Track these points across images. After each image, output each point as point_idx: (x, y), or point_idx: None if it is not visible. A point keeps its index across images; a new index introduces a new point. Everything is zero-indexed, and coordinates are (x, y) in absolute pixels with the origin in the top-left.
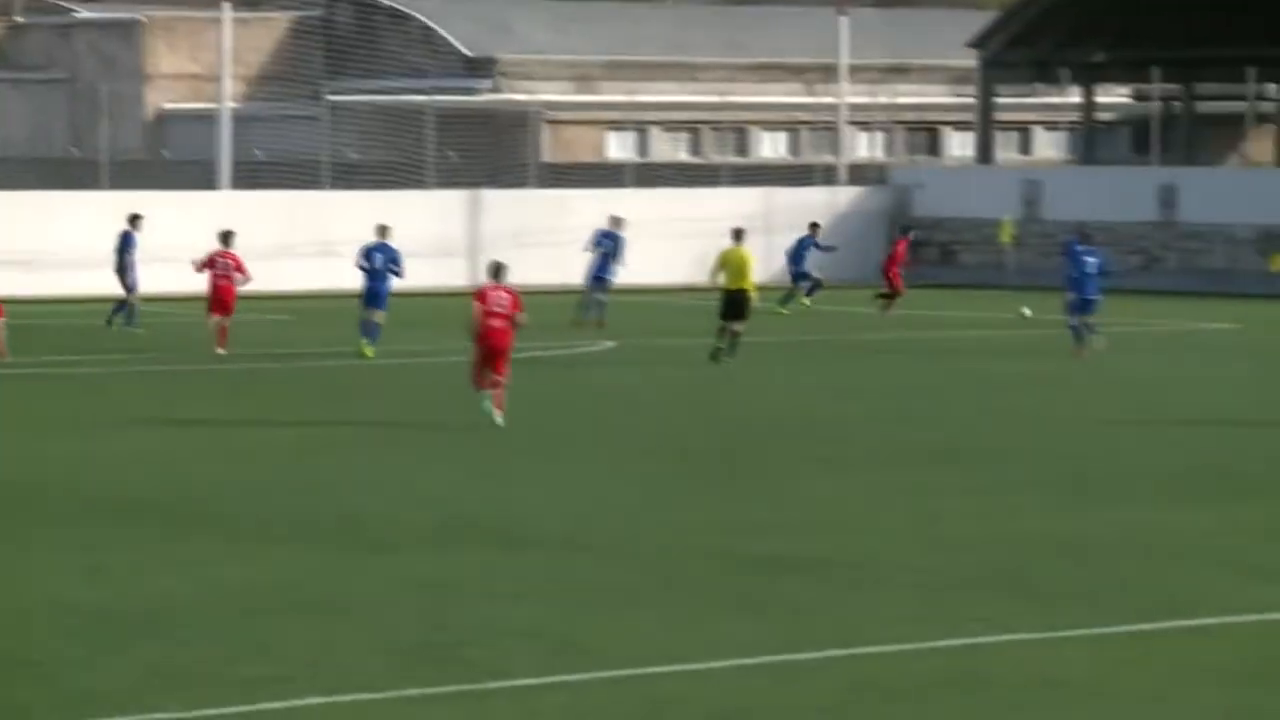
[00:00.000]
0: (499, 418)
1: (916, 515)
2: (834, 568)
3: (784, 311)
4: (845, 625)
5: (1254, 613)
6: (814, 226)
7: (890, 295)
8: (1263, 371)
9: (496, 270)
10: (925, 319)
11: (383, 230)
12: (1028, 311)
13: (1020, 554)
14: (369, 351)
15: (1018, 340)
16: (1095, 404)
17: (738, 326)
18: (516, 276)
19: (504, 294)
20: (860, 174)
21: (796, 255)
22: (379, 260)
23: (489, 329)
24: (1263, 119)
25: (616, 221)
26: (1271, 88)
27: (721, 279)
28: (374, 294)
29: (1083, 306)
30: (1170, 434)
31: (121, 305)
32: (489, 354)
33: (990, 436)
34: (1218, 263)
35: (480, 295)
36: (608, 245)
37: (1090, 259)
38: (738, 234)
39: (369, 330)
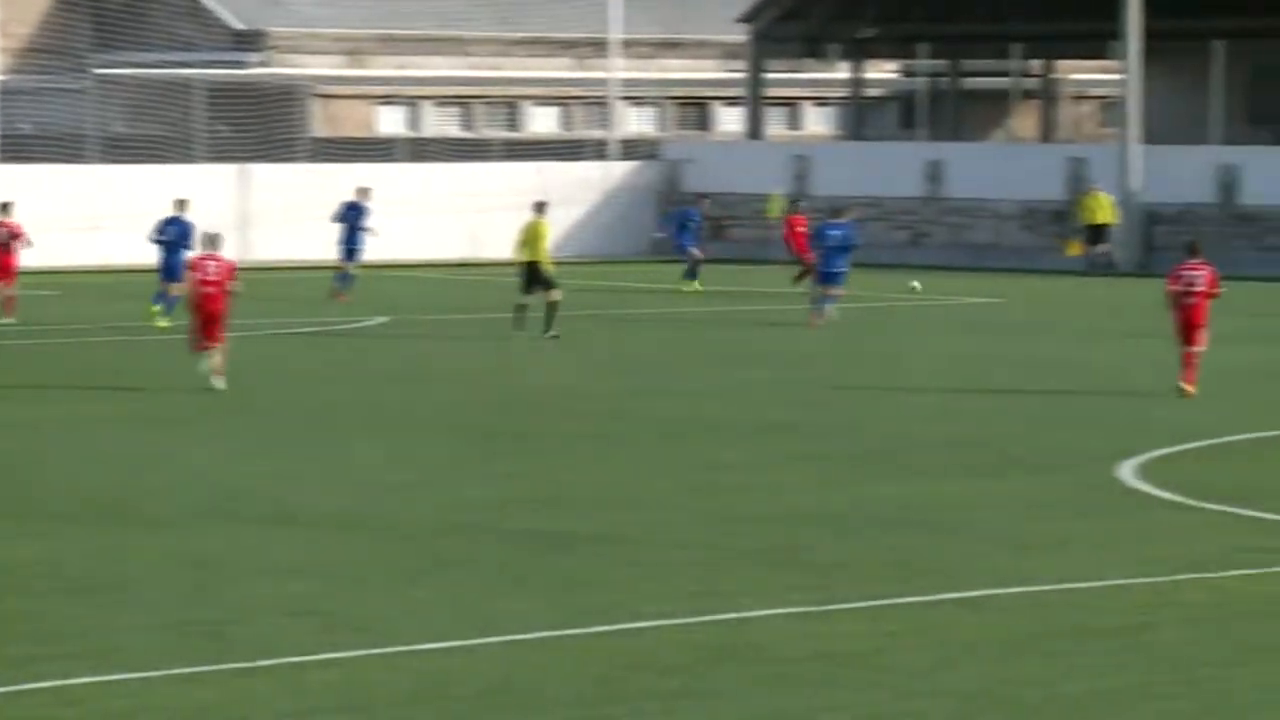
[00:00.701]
0: (218, 382)
1: (692, 489)
2: (610, 543)
3: (695, 288)
4: (621, 600)
5: (1020, 585)
6: (701, 198)
7: (805, 271)
8: (1024, 344)
9: (210, 240)
10: (698, 293)
11: (180, 204)
12: (917, 285)
13: (794, 528)
14: (163, 323)
15: (789, 315)
16: (865, 378)
17: (554, 295)
18: (286, 251)
19: (215, 262)
20: (632, 149)
21: (681, 227)
22: (172, 233)
23: (202, 295)
24: (1027, 95)
25: (363, 192)
26: (1035, 64)
27: (520, 252)
28: (170, 267)
29: (824, 279)
30: (937, 407)
31: None
32: (203, 320)
33: (764, 410)
34: (983, 237)
35: (193, 264)
36: (352, 217)
37: (833, 233)
38: (539, 206)
39: (165, 300)
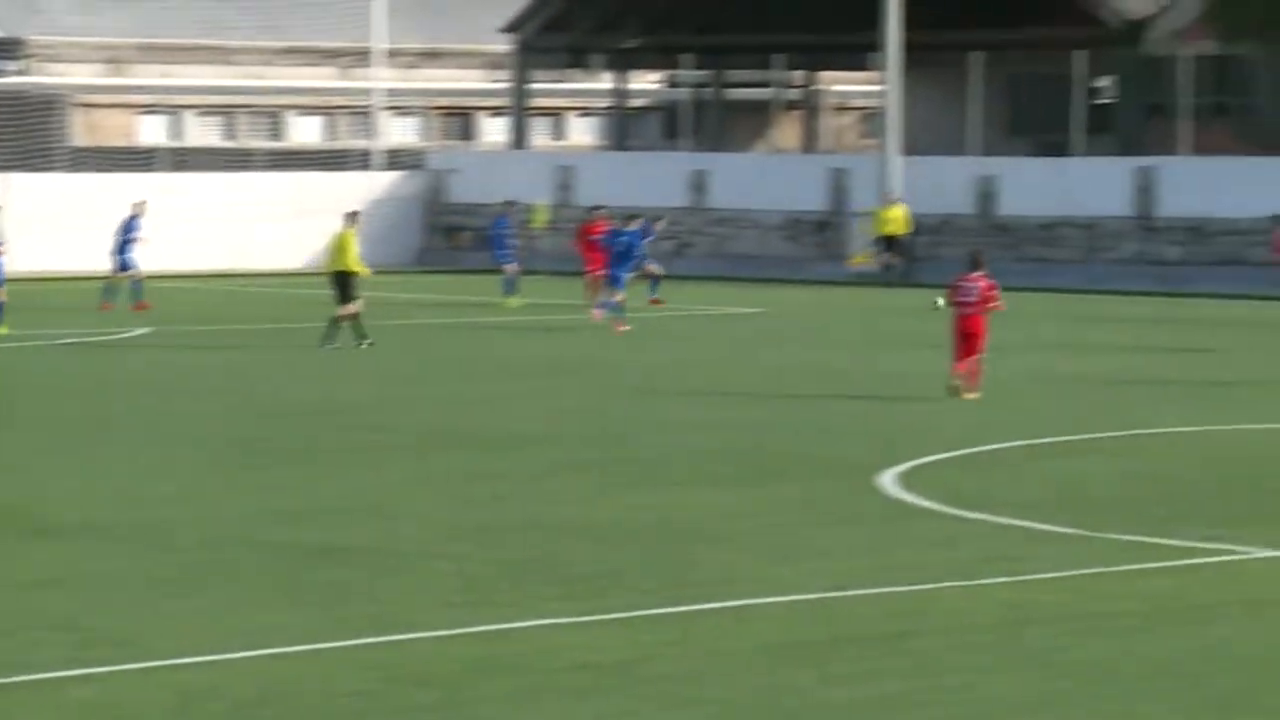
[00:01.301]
0: None
1: (455, 501)
2: (371, 554)
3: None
4: (381, 612)
5: (782, 594)
6: (655, 221)
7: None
8: (789, 354)
9: None
10: (465, 305)
11: (140, 205)
12: (940, 302)
13: (556, 538)
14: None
15: (555, 324)
16: (632, 388)
17: (348, 309)
18: (45, 262)
19: None
20: (396, 159)
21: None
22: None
23: None
24: (790, 106)
25: (139, 205)
26: (798, 75)
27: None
28: None
29: (611, 282)
30: (699, 415)
31: None
32: None
33: (529, 420)
34: (746, 248)
35: None
36: (126, 228)
37: (621, 239)
38: (350, 216)
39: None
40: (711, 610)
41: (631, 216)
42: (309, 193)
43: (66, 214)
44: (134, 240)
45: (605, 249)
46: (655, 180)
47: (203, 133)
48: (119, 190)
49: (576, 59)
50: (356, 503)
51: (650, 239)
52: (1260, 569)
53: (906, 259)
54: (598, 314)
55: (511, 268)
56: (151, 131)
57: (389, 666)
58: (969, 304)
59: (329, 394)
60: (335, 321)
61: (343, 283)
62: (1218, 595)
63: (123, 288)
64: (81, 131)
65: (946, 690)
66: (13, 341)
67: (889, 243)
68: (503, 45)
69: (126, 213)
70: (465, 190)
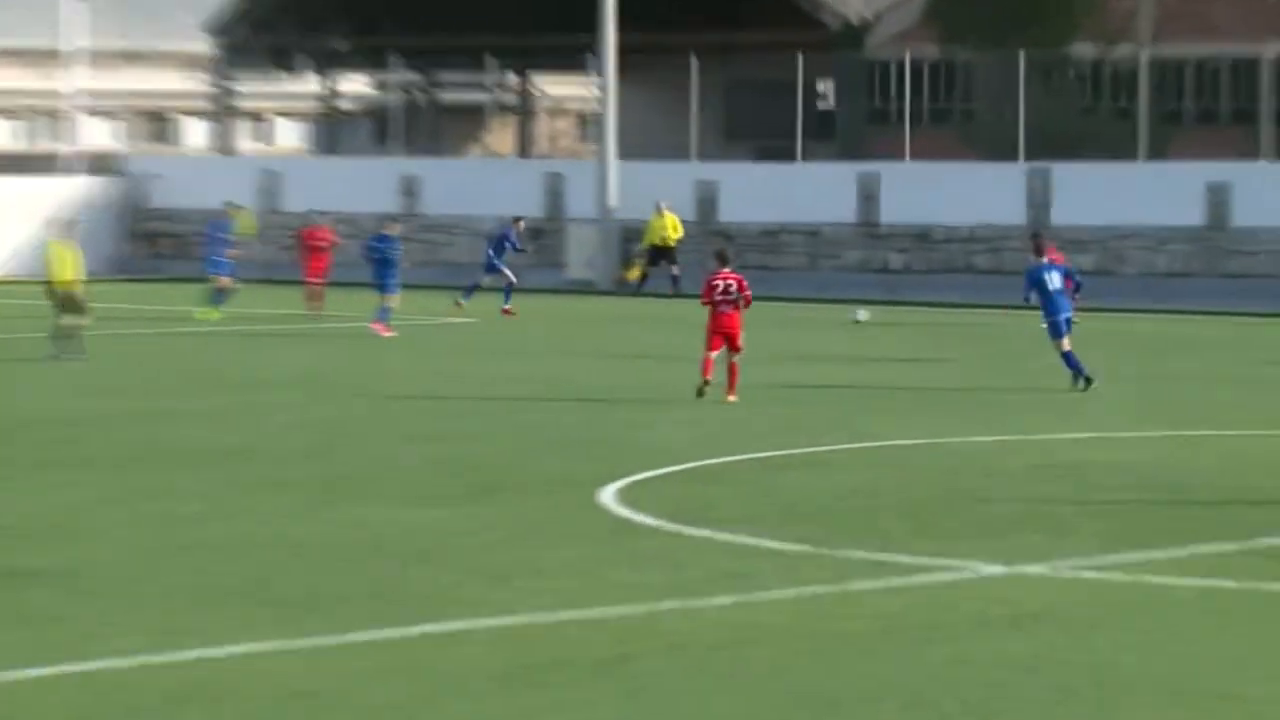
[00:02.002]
0: None
1: (155, 519)
2: (64, 577)
3: (463, 304)
4: (84, 638)
5: (498, 616)
6: (517, 220)
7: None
8: (506, 366)
9: None
10: (168, 315)
11: None
12: (863, 315)
13: (259, 558)
14: None
15: (264, 333)
16: (338, 402)
17: (82, 320)
18: None
19: None
20: (95, 164)
21: (497, 248)
22: None
23: None
24: (504, 109)
25: None
26: (512, 77)
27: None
28: None
29: (382, 289)
30: (411, 429)
31: None
32: None
33: (228, 434)
34: (460, 255)
35: None
36: None
37: (383, 245)
38: (67, 226)
39: None
40: (426, 634)
41: (392, 220)
42: (2, 199)
43: None
44: None
45: (369, 256)
46: (366, 186)
47: None
48: None
49: (281, 60)
50: (48, 522)
51: (512, 243)
52: (988, 586)
53: (681, 267)
54: (379, 326)
55: (225, 280)
56: None
57: (91, 695)
58: (727, 301)
59: (19, 407)
60: (69, 331)
61: (71, 295)
62: (945, 613)
63: None
64: None
65: (669, 716)
66: None
67: (660, 253)
68: (204, 45)
69: None
70: (167, 196)
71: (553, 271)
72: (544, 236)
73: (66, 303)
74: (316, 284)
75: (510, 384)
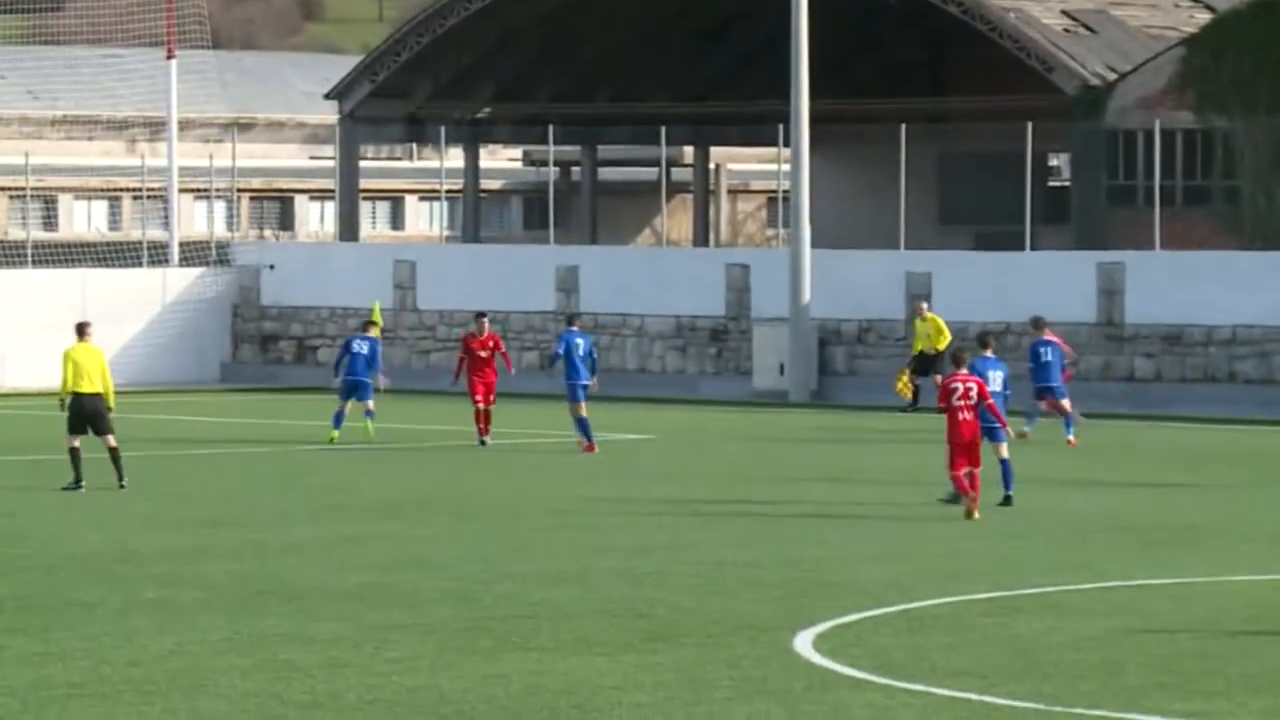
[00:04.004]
0: None
1: (271, 669)
2: None
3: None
4: None
5: None
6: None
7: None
8: (676, 490)
9: None
10: (284, 430)
11: None
12: (1028, 430)
13: (401, 716)
14: None
15: (399, 452)
16: (476, 530)
17: (111, 441)
18: None
19: None
20: (196, 252)
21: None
22: None
23: None
24: (678, 189)
25: None
26: (687, 152)
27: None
28: None
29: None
30: (570, 565)
31: None
32: None
33: (356, 571)
34: (627, 360)
35: None
36: None
37: (578, 340)
38: (82, 329)
39: None
40: None
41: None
42: (91, 293)
43: None
44: None
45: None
46: (516, 279)
47: None
48: None
49: (416, 132)
50: (149, 673)
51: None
52: None
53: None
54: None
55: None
56: None
57: None
58: (969, 407)
59: (120, 541)
60: (114, 453)
61: (103, 408)
62: None
63: None
64: None
65: None
66: None
67: (928, 362)
68: (327, 115)
69: None
70: (281, 290)
71: (737, 380)
72: (726, 338)
73: (98, 419)
74: (485, 403)
75: (683, 512)
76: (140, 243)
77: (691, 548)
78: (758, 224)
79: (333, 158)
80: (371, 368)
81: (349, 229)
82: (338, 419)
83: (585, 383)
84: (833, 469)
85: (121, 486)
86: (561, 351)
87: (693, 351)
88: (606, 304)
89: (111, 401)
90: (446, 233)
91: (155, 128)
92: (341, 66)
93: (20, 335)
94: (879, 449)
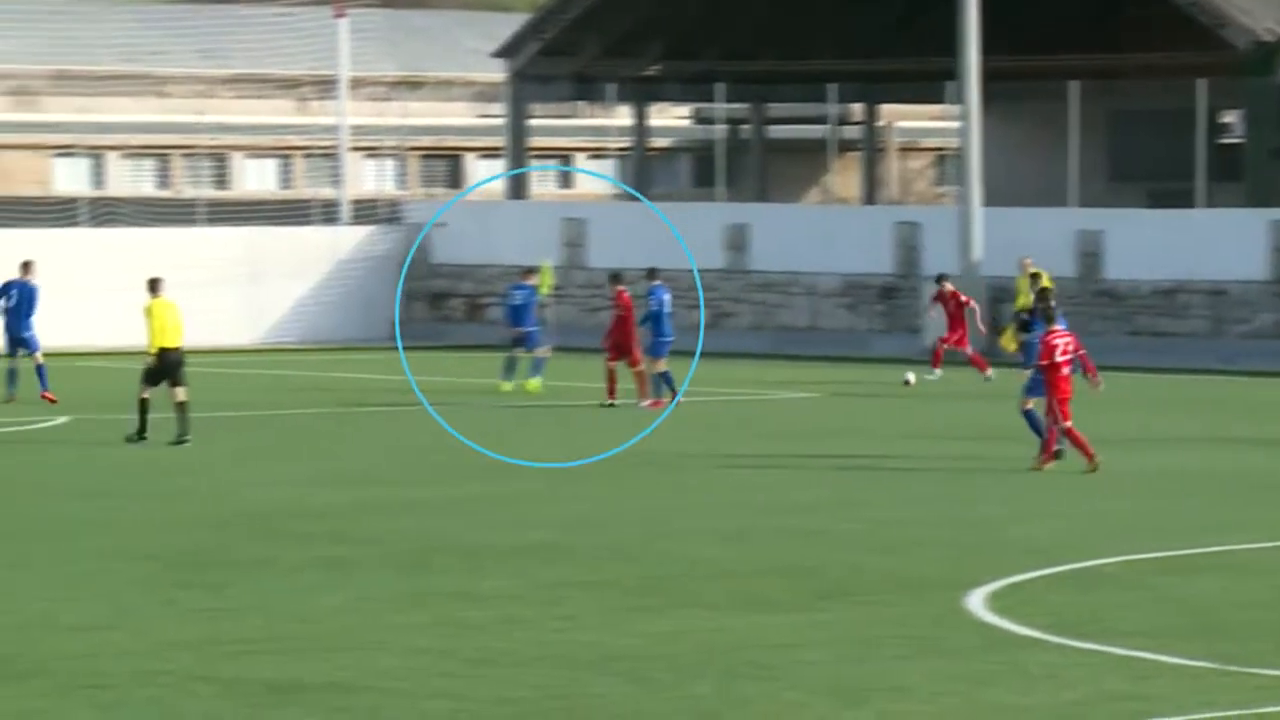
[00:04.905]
0: None
1: (445, 627)
2: (343, 692)
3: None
4: None
5: None
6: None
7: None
8: (845, 448)
9: None
10: (455, 388)
11: (26, 266)
12: (911, 378)
13: (571, 673)
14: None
15: (561, 414)
16: (646, 490)
17: (181, 394)
18: None
19: None
20: (367, 210)
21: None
22: (14, 298)
23: None
24: (847, 147)
25: (26, 267)
26: (856, 109)
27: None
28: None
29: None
30: (739, 523)
31: None
32: None
33: (525, 529)
34: (796, 319)
35: None
36: (12, 297)
37: (666, 296)
38: (154, 284)
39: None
40: None
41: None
42: (262, 252)
43: None
44: (24, 313)
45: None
46: (685, 236)
47: (131, 179)
48: (30, 249)
49: (585, 89)
50: (321, 629)
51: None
52: None
53: None
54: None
55: (543, 350)
56: (69, 177)
57: None
58: (1066, 363)
59: (290, 498)
60: (182, 408)
61: (181, 362)
62: None
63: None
64: None
65: None
66: None
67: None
68: (496, 73)
69: (17, 278)
70: (453, 249)
71: (907, 338)
72: (896, 296)
73: (175, 370)
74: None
75: (851, 468)
76: (311, 201)
77: (861, 505)
78: (927, 181)
79: (501, 116)
80: (527, 319)
81: (518, 187)
82: (507, 369)
83: (672, 339)
84: (1001, 427)
85: (185, 442)
86: (656, 309)
87: (862, 309)
88: (776, 262)
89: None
90: (615, 191)
91: (325, 86)
92: (510, 24)
93: (196, 293)
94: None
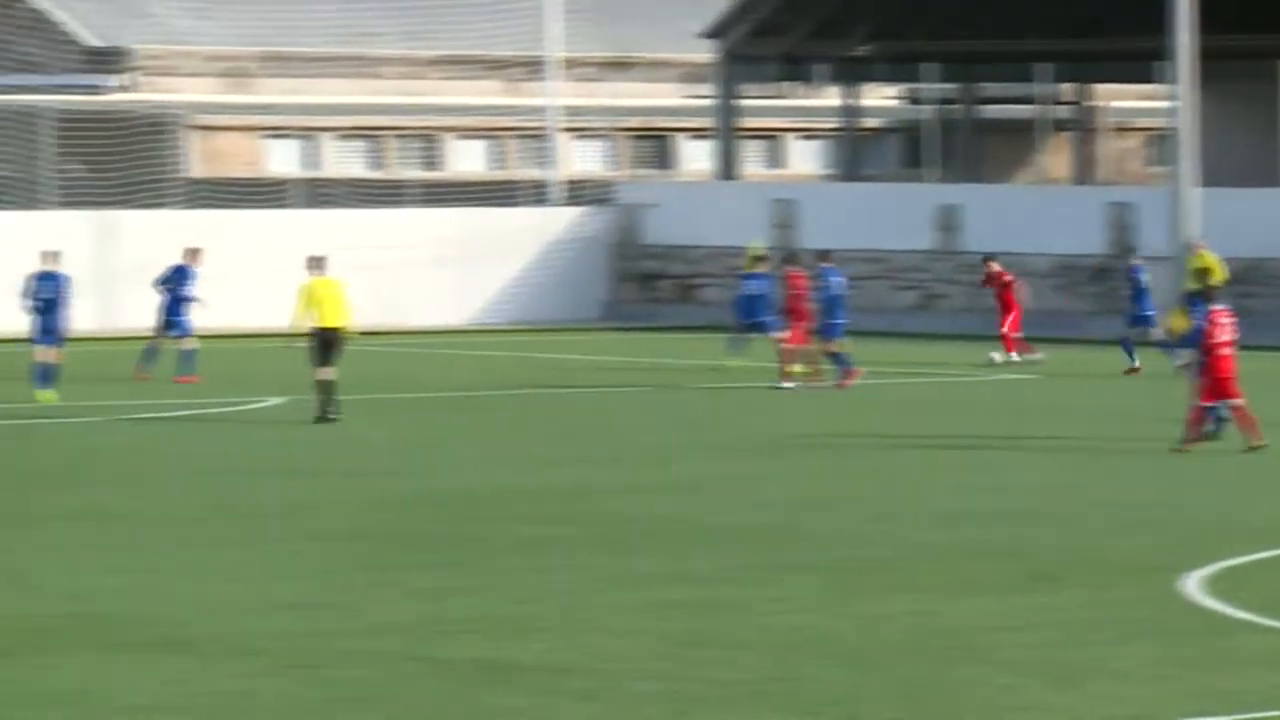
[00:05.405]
0: None
1: (657, 607)
2: (557, 673)
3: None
4: None
5: None
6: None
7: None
8: (1059, 429)
9: None
10: (666, 369)
11: (51, 256)
12: (997, 357)
13: (783, 655)
14: (49, 397)
15: (758, 395)
16: (861, 472)
17: (328, 374)
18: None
19: None
20: (577, 191)
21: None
22: (47, 290)
23: None
24: (1059, 126)
25: (192, 254)
26: (1067, 89)
27: (313, 317)
28: (46, 329)
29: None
30: (950, 505)
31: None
32: None
33: (742, 509)
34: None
35: None
36: (177, 281)
37: (839, 279)
38: (318, 262)
39: (43, 374)
40: None
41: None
42: (473, 233)
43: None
44: (186, 299)
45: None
46: (894, 218)
47: (343, 160)
48: (243, 230)
49: (794, 70)
50: (537, 609)
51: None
52: None
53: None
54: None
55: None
56: (281, 159)
57: None
58: (1227, 343)
59: (504, 478)
60: (328, 386)
61: (341, 341)
62: None
63: (166, 352)
64: (198, 159)
65: None
66: (119, 414)
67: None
68: (705, 54)
69: (180, 263)
70: (663, 230)
71: (1120, 319)
72: (1108, 278)
73: (335, 349)
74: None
75: (1064, 450)
76: (520, 182)
77: (1075, 488)
78: (1140, 161)
79: (710, 97)
80: (760, 309)
81: (727, 168)
82: (732, 346)
83: (845, 321)
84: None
85: (333, 419)
86: (830, 291)
87: (1075, 290)
88: (987, 243)
89: (349, 332)
90: (824, 171)
91: (533, 67)
92: (718, 4)
93: (406, 274)
94: (1261, 386)
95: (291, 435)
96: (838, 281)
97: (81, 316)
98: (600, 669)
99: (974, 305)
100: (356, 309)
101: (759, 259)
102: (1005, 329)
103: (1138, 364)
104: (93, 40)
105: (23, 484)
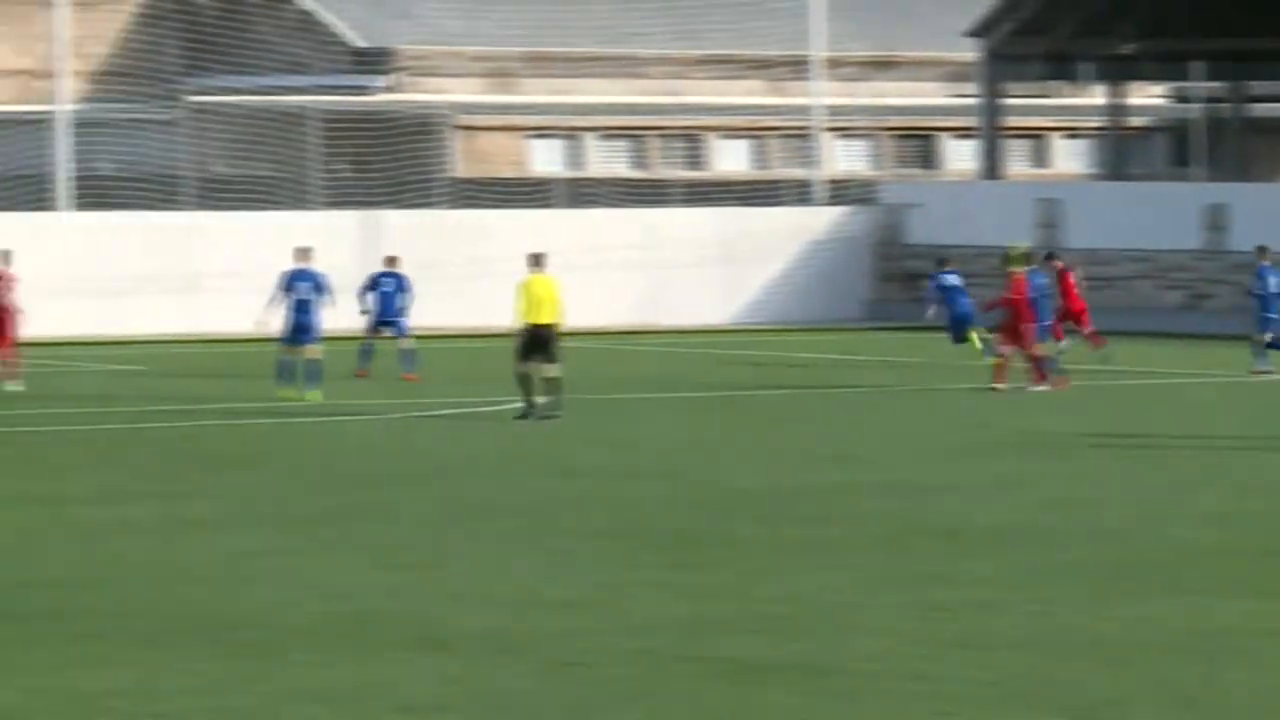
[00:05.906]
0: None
1: (925, 608)
2: (822, 674)
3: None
4: None
5: None
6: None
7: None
8: None
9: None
10: (929, 368)
11: (304, 253)
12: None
13: (1051, 657)
14: (315, 395)
15: (1020, 396)
16: (1128, 474)
17: (551, 371)
18: (423, 316)
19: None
20: (841, 191)
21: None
22: (303, 289)
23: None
24: None
25: (392, 260)
26: None
27: (523, 313)
28: (303, 328)
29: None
30: (1222, 507)
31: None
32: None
33: (1011, 510)
34: None
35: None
36: (389, 285)
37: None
38: (537, 259)
39: (310, 373)
40: None
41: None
42: (736, 232)
43: (445, 259)
44: (403, 293)
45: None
46: (1162, 217)
47: (607, 160)
48: (507, 230)
49: (1060, 69)
50: (804, 610)
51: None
52: None
53: None
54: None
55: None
56: (545, 158)
57: None
58: None
59: (772, 478)
60: (552, 383)
61: (551, 338)
62: None
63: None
64: (463, 159)
65: None
66: (382, 413)
67: None
68: (969, 52)
69: (384, 270)
70: (927, 230)
71: None
72: None
73: (544, 346)
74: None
75: None
76: (783, 182)
77: None
78: None
79: (974, 96)
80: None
81: (991, 168)
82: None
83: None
84: None
85: (554, 417)
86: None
87: None
88: (1258, 242)
89: (560, 330)
90: (1089, 171)
91: (797, 66)
92: (983, 3)
93: (670, 274)
94: None
95: (551, 433)
96: (1039, 284)
97: (344, 314)
98: (863, 669)
99: (1244, 304)
100: (621, 308)
101: (1022, 259)
102: (1086, 329)
103: None
104: (359, 41)
105: (316, 484)
